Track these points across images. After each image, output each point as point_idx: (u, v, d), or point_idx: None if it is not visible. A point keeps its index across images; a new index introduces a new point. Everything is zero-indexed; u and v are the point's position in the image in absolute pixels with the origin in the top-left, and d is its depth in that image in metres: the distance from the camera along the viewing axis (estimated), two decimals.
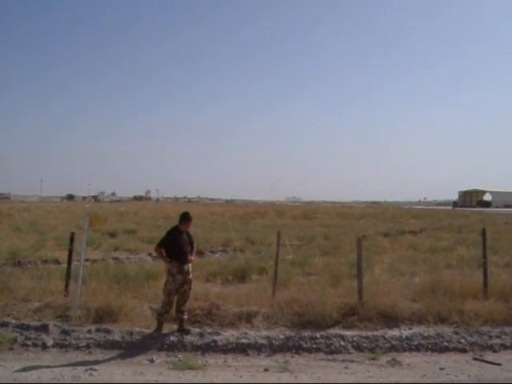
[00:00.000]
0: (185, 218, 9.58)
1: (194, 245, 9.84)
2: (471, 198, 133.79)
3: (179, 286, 9.31)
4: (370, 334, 9.21)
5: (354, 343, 8.90)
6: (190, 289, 9.48)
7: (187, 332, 9.12)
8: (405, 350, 8.78)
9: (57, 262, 15.70)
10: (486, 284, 11.19)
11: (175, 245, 9.34)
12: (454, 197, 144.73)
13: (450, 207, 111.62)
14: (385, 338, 9.03)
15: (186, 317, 9.38)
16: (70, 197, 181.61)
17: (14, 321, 9.47)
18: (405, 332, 9.31)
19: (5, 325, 9.29)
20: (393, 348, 8.82)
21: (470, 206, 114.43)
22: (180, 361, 8.13)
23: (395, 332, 9.32)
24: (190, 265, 9.46)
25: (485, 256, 11.54)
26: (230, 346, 8.77)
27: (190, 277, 9.46)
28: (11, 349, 8.60)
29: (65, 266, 11.90)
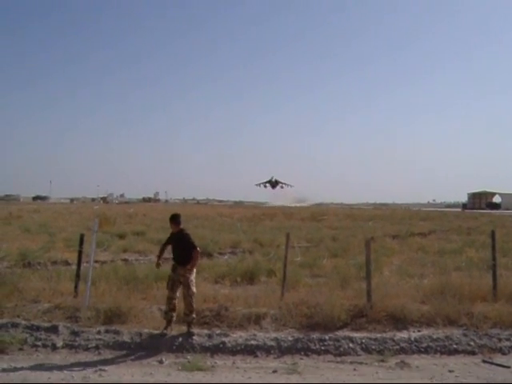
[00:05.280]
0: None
1: (194, 251, 9.43)
2: (480, 200, 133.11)
3: (173, 285, 9.38)
4: (378, 336, 9.21)
5: (363, 345, 8.89)
6: (188, 292, 9.29)
7: (191, 334, 9.12)
8: (414, 352, 8.77)
9: (66, 263, 15.75)
10: (495, 286, 11.16)
11: (171, 245, 9.78)
12: (464, 199, 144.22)
13: (459, 209, 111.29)
14: (394, 340, 9.02)
15: (190, 319, 9.33)
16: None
17: (24, 322, 9.51)
18: (414, 334, 9.30)
19: (15, 326, 9.34)
20: (402, 350, 8.81)
21: (480, 208, 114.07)
22: (189, 362, 8.15)
23: (404, 334, 9.31)
24: (185, 267, 9.35)
25: (494, 258, 11.51)
26: (238, 348, 8.79)
27: (184, 280, 9.32)
28: (21, 349, 8.65)
29: (74, 267, 11.98)
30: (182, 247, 9.48)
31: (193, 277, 9.48)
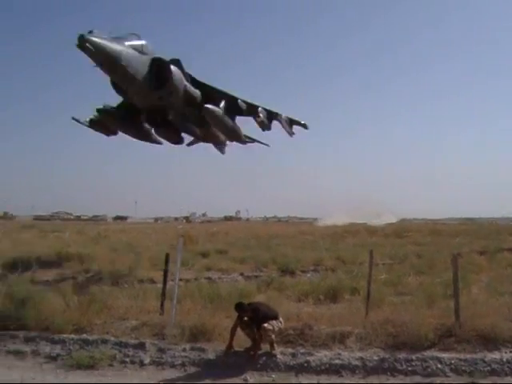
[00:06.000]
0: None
1: (263, 328, 9.16)
2: None
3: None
4: (468, 356, 8.89)
5: (452, 366, 8.63)
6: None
7: (273, 355, 9.08)
8: (506, 375, 8.43)
9: (152, 281, 16.15)
10: None
11: None
12: None
13: None
14: (484, 361, 8.69)
15: (270, 339, 9.19)
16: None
17: (112, 338, 9.84)
18: (506, 355, 8.93)
19: (104, 342, 9.67)
20: (493, 372, 8.49)
21: None
22: (273, 381, 8.16)
23: (495, 355, 8.95)
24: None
25: None
26: (323, 367, 8.73)
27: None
28: (111, 365, 8.95)
29: (159, 285, 12.28)
30: (259, 322, 9.21)
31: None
